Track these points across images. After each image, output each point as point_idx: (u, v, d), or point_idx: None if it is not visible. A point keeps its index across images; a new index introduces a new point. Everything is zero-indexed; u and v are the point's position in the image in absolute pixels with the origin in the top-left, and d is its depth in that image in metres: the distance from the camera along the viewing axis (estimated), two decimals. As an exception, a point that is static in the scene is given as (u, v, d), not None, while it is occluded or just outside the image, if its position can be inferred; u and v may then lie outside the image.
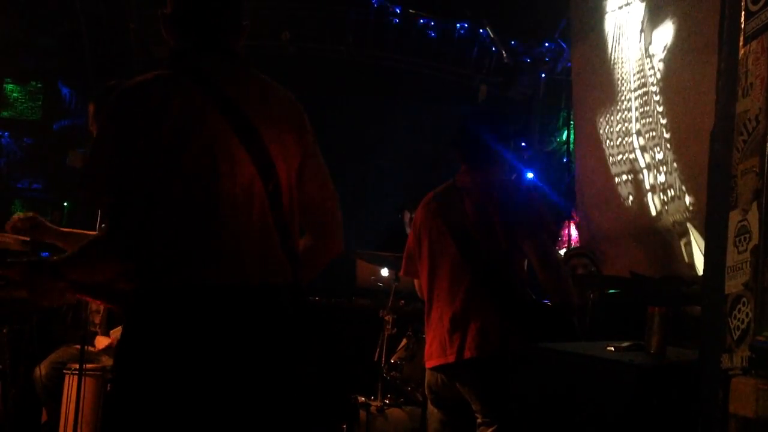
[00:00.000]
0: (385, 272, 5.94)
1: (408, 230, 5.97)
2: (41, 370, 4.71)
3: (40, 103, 7.62)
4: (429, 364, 3.24)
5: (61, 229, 3.19)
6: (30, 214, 3.09)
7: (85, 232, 3.27)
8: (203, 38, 2.23)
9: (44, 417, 4.92)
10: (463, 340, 3.06)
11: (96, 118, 2.95)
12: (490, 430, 3.03)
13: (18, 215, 3.19)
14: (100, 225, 2.78)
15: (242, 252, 2.07)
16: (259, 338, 2.06)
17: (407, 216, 5.94)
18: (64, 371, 4.51)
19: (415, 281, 3.54)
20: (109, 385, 2.62)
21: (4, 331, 4.40)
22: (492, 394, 3.01)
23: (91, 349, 4.87)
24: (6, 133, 7.44)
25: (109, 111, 2.09)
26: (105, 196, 2.08)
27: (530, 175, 7.90)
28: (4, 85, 7.46)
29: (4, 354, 4.36)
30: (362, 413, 4.71)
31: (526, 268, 3.19)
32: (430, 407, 3.30)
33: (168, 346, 1.98)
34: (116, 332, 4.84)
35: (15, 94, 7.57)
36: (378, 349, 5.10)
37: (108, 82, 3.12)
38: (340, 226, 2.40)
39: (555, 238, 3.55)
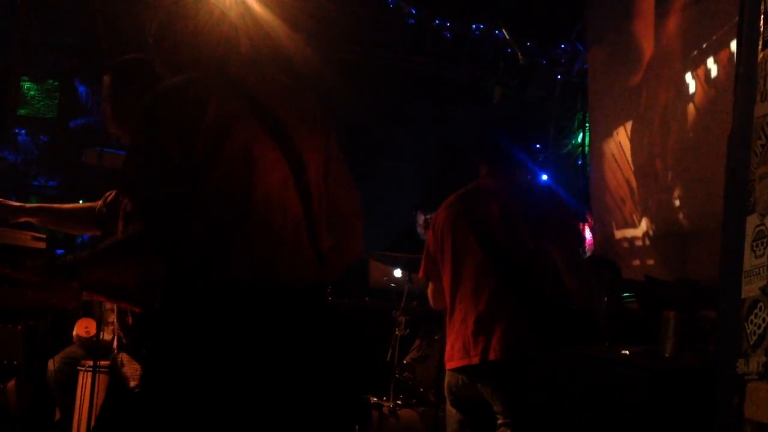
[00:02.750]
0: (398, 273, 5.93)
1: (420, 231, 5.96)
2: (54, 364, 4.74)
3: (56, 101, 7.64)
4: (450, 365, 3.23)
5: (27, 205, 3.12)
6: None
7: (56, 205, 3.23)
8: (228, 48, 2.27)
9: (57, 415, 4.94)
10: (487, 342, 3.05)
11: (111, 90, 2.94)
12: (510, 431, 3.02)
13: None
14: (122, 225, 2.76)
15: (277, 252, 2.09)
16: (294, 338, 2.08)
17: (421, 217, 5.93)
18: (78, 368, 4.53)
19: (429, 288, 3.53)
20: (132, 382, 2.60)
21: (19, 328, 4.43)
22: (515, 396, 3.01)
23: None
24: (23, 131, 7.47)
25: (146, 112, 2.11)
26: (141, 192, 2.06)
27: (545, 177, 7.88)
28: (21, 83, 7.49)
29: (18, 351, 4.38)
30: (374, 414, 4.71)
31: (551, 270, 3.17)
32: (449, 408, 3.30)
33: (205, 345, 1.99)
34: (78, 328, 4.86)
35: (32, 92, 7.60)
36: (390, 350, 5.10)
37: (130, 55, 3.12)
38: (361, 229, 2.43)
39: (581, 242, 3.55)
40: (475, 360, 3.08)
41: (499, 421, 3.07)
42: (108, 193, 3.03)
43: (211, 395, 1.99)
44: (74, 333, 4.95)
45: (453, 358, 3.20)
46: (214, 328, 2.00)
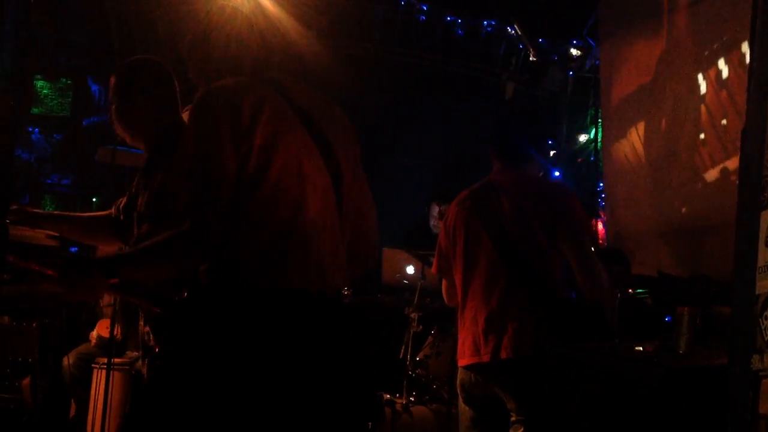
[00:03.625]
0: (410, 269, 5.94)
1: (433, 224, 5.96)
2: (69, 360, 4.76)
3: (69, 99, 7.67)
4: (462, 362, 3.23)
5: (42, 212, 3.12)
6: (13, 206, 2.99)
7: (73, 214, 3.24)
8: (262, 55, 2.31)
9: (72, 412, 4.97)
10: (499, 341, 3.05)
11: (117, 91, 2.95)
12: (523, 429, 3.02)
13: None
14: (138, 227, 2.76)
15: (323, 258, 2.11)
16: (334, 346, 2.12)
17: (435, 209, 5.92)
18: (93, 365, 4.56)
19: (443, 283, 3.53)
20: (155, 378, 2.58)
21: (34, 325, 4.45)
22: (527, 394, 3.00)
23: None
24: (36, 130, 7.51)
25: (200, 109, 2.10)
26: (194, 198, 2.03)
27: (557, 173, 7.87)
28: (35, 82, 7.52)
29: (33, 348, 4.41)
30: (387, 411, 4.71)
31: (562, 267, 3.16)
32: (462, 405, 3.30)
33: (249, 347, 1.99)
34: (99, 329, 4.87)
35: (45, 91, 7.64)
36: (403, 347, 5.11)
37: (138, 56, 3.13)
38: (375, 244, 2.47)
39: (593, 239, 3.54)
40: (486, 358, 3.07)
41: (513, 419, 3.06)
42: (120, 200, 3.03)
43: (245, 397, 1.98)
44: (94, 333, 4.96)
45: (464, 356, 3.20)
46: (261, 330, 2.00)
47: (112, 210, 3.03)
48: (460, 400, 3.30)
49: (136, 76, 2.94)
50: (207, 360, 2.01)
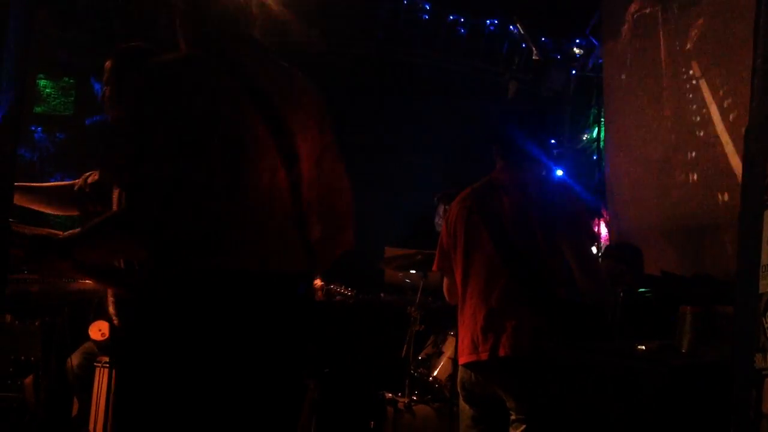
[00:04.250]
0: (413, 271, 5.94)
1: (437, 222, 5.95)
2: (73, 360, 4.76)
3: (72, 98, 7.67)
4: (461, 360, 3.24)
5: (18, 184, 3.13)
6: None
7: (31, 184, 3.24)
8: (227, 26, 2.21)
9: (75, 410, 4.97)
10: (497, 339, 3.05)
11: (112, 75, 2.95)
12: (524, 427, 3.02)
13: None
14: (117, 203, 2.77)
15: (263, 240, 2.06)
16: (275, 326, 2.06)
17: (441, 209, 5.91)
18: (95, 364, 4.55)
19: (444, 281, 3.53)
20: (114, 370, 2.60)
21: (36, 323, 4.45)
22: (526, 392, 3.00)
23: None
24: (39, 129, 7.51)
25: (139, 87, 2.07)
26: (125, 173, 2.04)
27: (560, 172, 7.86)
28: (37, 81, 7.52)
29: (36, 346, 4.41)
30: (389, 410, 4.72)
31: (562, 267, 3.16)
32: (462, 404, 3.30)
33: (186, 330, 1.97)
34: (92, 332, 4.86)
35: (48, 90, 7.63)
36: (405, 346, 5.11)
37: (130, 42, 3.13)
38: (352, 222, 2.40)
39: (593, 240, 3.54)
40: (484, 356, 3.08)
41: (512, 417, 3.06)
42: (88, 174, 3.04)
43: (188, 381, 1.97)
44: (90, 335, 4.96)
45: (463, 354, 3.21)
46: (199, 312, 1.98)
47: (79, 181, 3.04)
48: (461, 398, 3.31)
49: (132, 61, 2.94)
50: (148, 342, 2.01)
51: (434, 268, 3.54)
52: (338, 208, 2.37)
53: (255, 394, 2.05)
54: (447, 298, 3.56)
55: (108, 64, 2.98)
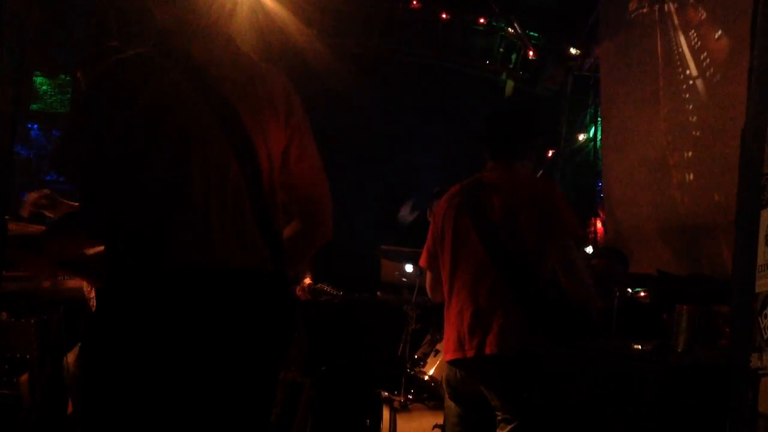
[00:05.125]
0: (409, 267, 5.94)
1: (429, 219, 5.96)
2: (69, 358, 4.75)
3: (69, 96, 7.66)
4: (446, 357, 3.24)
5: (73, 203, 3.17)
6: (45, 191, 3.08)
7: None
8: (191, 16, 2.15)
9: (70, 408, 4.96)
10: (483, 337, 3.05)
11: (83, 82, 2.94)
12: (510, 427, 3.01)
13: (33, 194, 3.17)
14: None
15: (213, 237, 2.00)
16: (228, 325, 1.99)
17: (435, 203, 5.91)
18: (91, 362, 4.54)
19: (427, 278, 3.53)
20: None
21: (32, 321, 4.44)
22: (512, 391, 3.00)
23: None
24: (35, 126, 7.50)
25: (87, 88, 2.13)
26: (75, 173, 2.06)
27: (558, 174, 7.88)
28: (34, 78, 7.51)
29: (31, 344, 4.39)
30: (386, 408, 4.72)
31: (549, 267, 3.16)
32: (448, 401, 3.29)
33: (135, 331, 1.94)
34: None
35: (44, 87, 7.63)
36: (401, 345, 5.11)
37: (101, 46, 3.12)
38: (329, 212, 2.32)
39: (582, 242, 3.52)
40: (470, 354, 3.07)
41: (498, 417, 3.06)
42: None
43: (142, 383, 1.94)
44: None
45: (448, 351, 3.21)
46: (147, 314, 1.94)
47: None
48: (446, 395, 3.30)
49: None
50: (96, 344, 2.00)
51: (421, 262, 3.53)
52: (311, 199, 2.30)
53: (204, 396, 1.98)
54: (429, 294, 3.57)
55: (78, 74, 2.96)
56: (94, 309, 2.75)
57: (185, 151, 2.01)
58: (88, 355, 2.02)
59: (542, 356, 2.95)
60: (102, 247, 2.15)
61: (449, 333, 3.22)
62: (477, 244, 3.17)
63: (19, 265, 2.24)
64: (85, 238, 2.12)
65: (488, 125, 3.41)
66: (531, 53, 7.94)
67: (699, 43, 5.10)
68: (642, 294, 4.98)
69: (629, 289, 4.87)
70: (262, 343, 2.06)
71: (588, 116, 8.28)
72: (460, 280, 3.22)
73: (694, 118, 5.10)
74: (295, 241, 2.25)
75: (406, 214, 4.81)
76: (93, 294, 3.08)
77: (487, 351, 3.03)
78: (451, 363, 3.22)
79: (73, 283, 4.79)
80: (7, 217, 2.37)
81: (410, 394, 4.87)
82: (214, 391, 1.99)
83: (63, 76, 7.71)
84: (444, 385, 3.32)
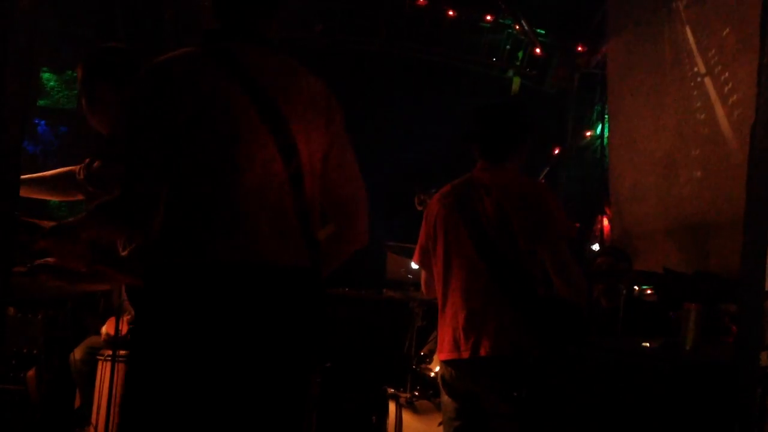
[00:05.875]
0: (415, 264, 5.94)
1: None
2: (76, 354, 4.77)
3: (75, 92, 7.66)
4: (441, 356, 3.25)
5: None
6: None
7: (37, 175, 3.26)
8: (236, 21, 2.24)
9: (77, 403, 4.97)
10: (478, 338, 3.05)
11: (84, 82, 2.94)
12: (507, 425, 3.01)
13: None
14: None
15: (257, 232, 2.05)
16: (274, 320, 2.05)
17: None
18: (98, 357, 4.56)
19: (422, 276, 3.54)
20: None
21: (39, 317, 4.45)
22: (506, 391, 3.00)
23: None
24: (42, 122, 7.51)
25: (136, 84, 2.13)
26: (123, 166, 2.11)
27: (564, 171, 7.87)
28: (41, 74, 7.51)
29: (38, 340, 4.41)
30: (391, 405, 4.72)
31: (541, 268, 3.15)
32: (444, 398, 3.30)
33: (181, 323, 1.99)
34: (107, 327, 4.87)
35: (51, 83, 7.63)
36: (407, 341, 5.11)
37: (103, 45, 3.12)
38: (366, 216, 2.38)
39: (574, 244, 3.50)
40: (465, 355, 3.08)
41: (493, 417, 3.07)
42: (88, 159, 3.05)
43: (188, 375, 1.98)
44: (103, 330, 4.95)
45: (443, 351, 3.22)
46: (192, 305, 1.99)
47: (79, 167, 3.06)
48: (443, 392, 3.31)
49: (102, 66, 2.92)
50: (146, 335, 2.04)
51: (414, 260, 3.54)
52: (348, 205, 2.36)
53: (247, 387, 2.04)
54: (424, 292, 3.58)
55: (79, 71, 2.97)
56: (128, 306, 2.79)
57: (233, 147, 2.07)
58: (139, 349, 2.07)
59: (536, 356, 2.95)
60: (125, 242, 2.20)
61: (444, 333, 3.23)
62: (469, 245, 3.17)
63: (54, 254, 2.25)
64: (119, 227, 2.16)
65: (477, 122, 3.39)
66: (538, 50, 7.92)
67: (707, 40, 5.08)
68: (648, 292, 4.97)
69: (636, 287, 4.87)
70: (303, 339, 2.12)
71: (595, 113, 8.25)
72: (453, 281, 3.22)
73: (702, 116, 5.08)
74: (330, 242, 2.31)
75: (416, 202, 4.80)
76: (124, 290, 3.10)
77: (482, 352, 3.03)
78: (446, 363, 3.22)
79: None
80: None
81: (416, 390, 4.87)
82: (258, 384, 2.04)
83: (70, 72, 7.70)
84: (439, 382, 3.33)
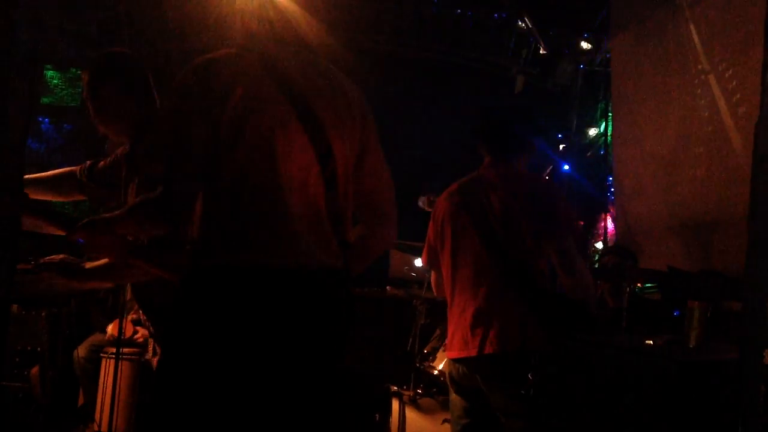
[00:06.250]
0: (418, 262, 5.95)
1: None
2: (80, 352, 4.78)
3: (79, 89, 7.66)
4: (450, 354, 3.25)
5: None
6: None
7: (38, 175, 3.27)
8: (273, 27, 2.28)
9: (81, 400, 4.98)
10: (485, 335, 3.06)
11: (89, 88, 2.95)
12: (515, 423, 3.02)
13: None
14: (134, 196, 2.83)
15: (298, 235, 2.08)
16: (314, 322, 2.08)
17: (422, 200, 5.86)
18: (101, 354, 4.57)
19: (432, 275, 3.55)
20: (154, 362, 2.66)
21: (43, 314, 4.46)
22: (514, 388, 3.00)
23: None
24: (46, 120, 7.52)
25: (178, 84, 2.13)
26: (166, 165, 2.10)
27: (566, 167, 7.86)
28: (45, 72, 7.52)
29: (42, 337, 4.42)
30: (395, 402, 4.72)
31: (548, 265, 3.16)
32: (453, 395, 3.31)
33: (226, 327, 2.00)
34: (113, 328, 4.87)
35: (55, 81, 7.63)
36: (411, 339, 5.12)
37: (107, 50, 3.13)
38: (395, 221, 2.42)
39: (581, 241, 3.52)
40: (473, 352, 3.08)
41: (500, 415, 3.07)
42: (95, 160, 3.06)
43: (228, 377, 1.99)
44: (109, 330, 4.96)
45: (452, 349, 3.22)
46: (236, 309, 2.00)
47: (79, 168, 3.07)
48: (451, 390, 3.32)
49: (108, 71, 2.93)
50: (184, 341, 2.04)
51: (422, 261, 3.55)
52: (379, 209, 2.40)
53: (291, 389, 2.06)
54: (434, 292, 3.59)
55: (84, 77, 2.97)
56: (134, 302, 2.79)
57: (274, 150, 2.08)
58: (180, 352, 2.06)
59: (543, 353, 2.96)
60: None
61: (453, 330, 3.23)
62: (476, 242, 3.17)
63: (89, 247, 2.27)
64: (158, 226, 2.16)
65: (485, 121, 3.40)
66: (542, 48, 7.91)
67: (711, 38, 5.08)
68: (653, 290, 4.97)
69: (639, 285, 4.86)
70: (338, 338, 2.16)
71: (599, 111, 8.25)
72: (461, 279, 3.22)
73: (706, 113, 5.08)
74: (360, 244, 2.34)
75: (424, 203, 4.79)
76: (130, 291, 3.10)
77: (488, 350, 3.03)
78: (455, 361, 3.22)
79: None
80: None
81: (419, 388, 4.88)
82: (303, 385, 2.07)
83: (74, 70, 7.72)
84: (448, 380, 3.34)
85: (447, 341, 3.32)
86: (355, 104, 2.31)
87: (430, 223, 3.47)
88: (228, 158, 2.05)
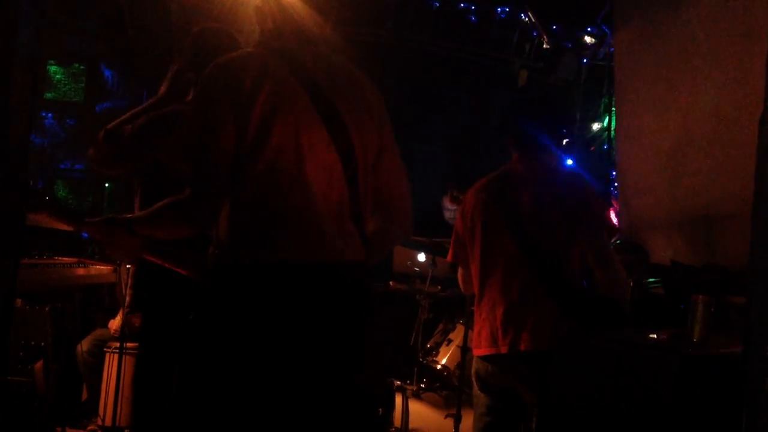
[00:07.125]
0: (421, 257, 5.94)
1: (449, 217, 5.93)
2: (83, 346, 4.79)
3: (82, 84, 7.67)
4: (478, 352, 3.23)
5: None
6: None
7: None
8: (294, 25, 2.30)
9: (84, 395, 5.00)
10: (518, 333, 3.04)
11: (191, 57, 2.98)
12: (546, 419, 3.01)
13: None
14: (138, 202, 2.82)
15: (323, 232, 2.12)
16: (342, 317, 2.13)
17: (447, 200, 5.87)
18: (105, 349, 4.58)
19: (459, 272, 3.51)
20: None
21: (46, 309, 4.47)
22: (546, 386, 2.99)
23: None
24: (49, 115, 7.52)
25: (204, 83, 2.15)
26: (196, 165, 2.12)
27: (569, 161, 7.83)
28: (48, 67, 7.52)
29: (45, 332, 4.43)
30: (398, 397, 4.73)
31: (581, 261, 3.14)
32: (477, 392, 3.29)
33: (251, 323, 2.03)
34: (115, 323, 4.87)
35: (58, 76, 7.63)
36: (414, 334, 5.12)
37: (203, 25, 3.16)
38: (411, 216, 2.47)
39: (612, 235, 3.51)
40: (504, 350, 3.07)
41: (531, 411, 3.06)
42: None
43: (254, 373, 2.01)
44: (113, 324, 4.97)
45: (480, 346, 3.20)
46: (264, 305, 2.04)
47: None
48: (476, 387, 3.30)
49: (208, 43, 2.99)
50: (209, 337, 2.07)
51: (449, 258, 3.51)
52: (395, 204, 2.43)
53: (319, 384, 2.10)
54: (462, 289, 3.54)
55: (186, 45, 3.02)
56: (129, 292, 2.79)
57: (297, 148, 2.11)
58: (209, 348, 2.09)
59: (575, 349, 2.94)
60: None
61: (481, 327, 3.20)
62: (508, 239, 3.14)
63: (109, 246, 2.27)
64: (185, 228, 2.15)
65: (512, 117, 3.38)
66: (545, 42, 7.89)
67: (716, 32, 5.06)
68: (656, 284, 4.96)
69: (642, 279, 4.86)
70: (363, 329, 2.22)
71: (602, 106, 8.23)
72: (491, 275, 3.20)
73: (710, 107, 5.06)
74: (377, 238, 2.37)
75: (447, 204, 4.77)
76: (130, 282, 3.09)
77: (522, 348, 3.02)
78: (484, 358, 3.20)
79: (88, 271, 4.82)
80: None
81: (423, 383, 4.88)
82: (330, 376, 2.12)
83: (76, 65, 7.71)
84: (473, 378, 3.31)
85: (474, 338, 3.30)
86: (374, 103, 2.35)
87: (458, 218, 3.44)
88: (254, 158, 2.07)
